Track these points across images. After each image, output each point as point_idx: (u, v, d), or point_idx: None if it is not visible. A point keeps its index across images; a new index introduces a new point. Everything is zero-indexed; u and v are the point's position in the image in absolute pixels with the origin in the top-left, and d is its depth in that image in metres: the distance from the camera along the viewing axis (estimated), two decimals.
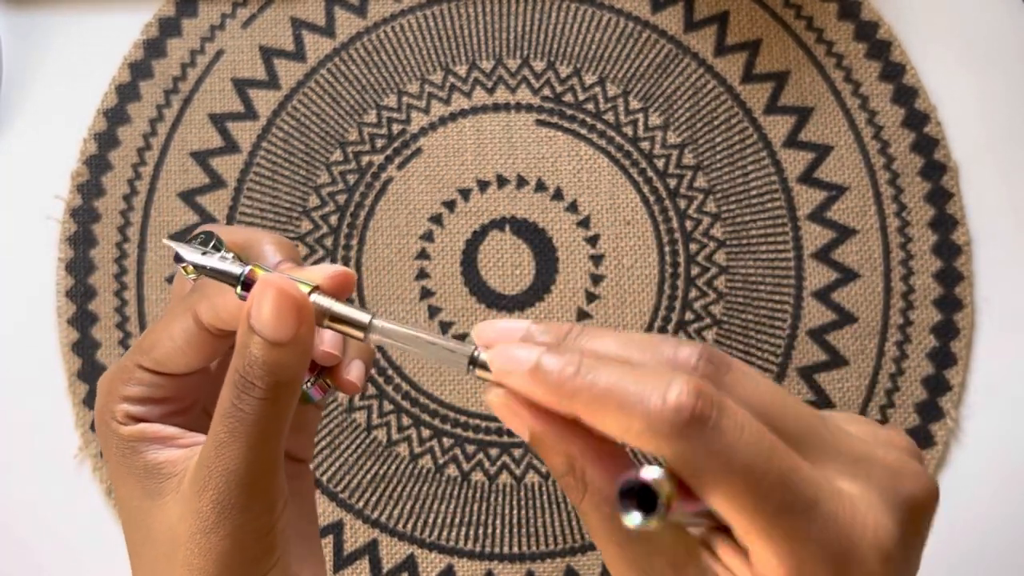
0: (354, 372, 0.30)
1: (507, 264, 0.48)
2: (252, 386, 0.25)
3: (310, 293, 0.25)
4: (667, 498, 0.20)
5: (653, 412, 0.20)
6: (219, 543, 0.26)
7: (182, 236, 0.48)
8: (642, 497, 0.20)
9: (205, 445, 0.26)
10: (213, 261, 0.26)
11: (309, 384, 0.30)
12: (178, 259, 0.27)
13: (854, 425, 0.24)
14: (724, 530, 0.23)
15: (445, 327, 0.48)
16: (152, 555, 0.27)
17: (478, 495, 0.47)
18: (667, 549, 0.23)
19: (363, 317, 0.25)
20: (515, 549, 0.47)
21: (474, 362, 0.24)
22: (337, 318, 0.25)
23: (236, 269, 0.26)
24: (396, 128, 0.49)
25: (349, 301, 0.26)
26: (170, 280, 0.48)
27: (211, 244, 0.27)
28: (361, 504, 0.47)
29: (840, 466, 0.22)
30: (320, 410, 0.33)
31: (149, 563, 0.28)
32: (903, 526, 0.22)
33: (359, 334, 0.25)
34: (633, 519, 0.20)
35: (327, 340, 0.29)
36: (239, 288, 0.26)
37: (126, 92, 0.49)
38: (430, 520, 0.47)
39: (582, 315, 0.48)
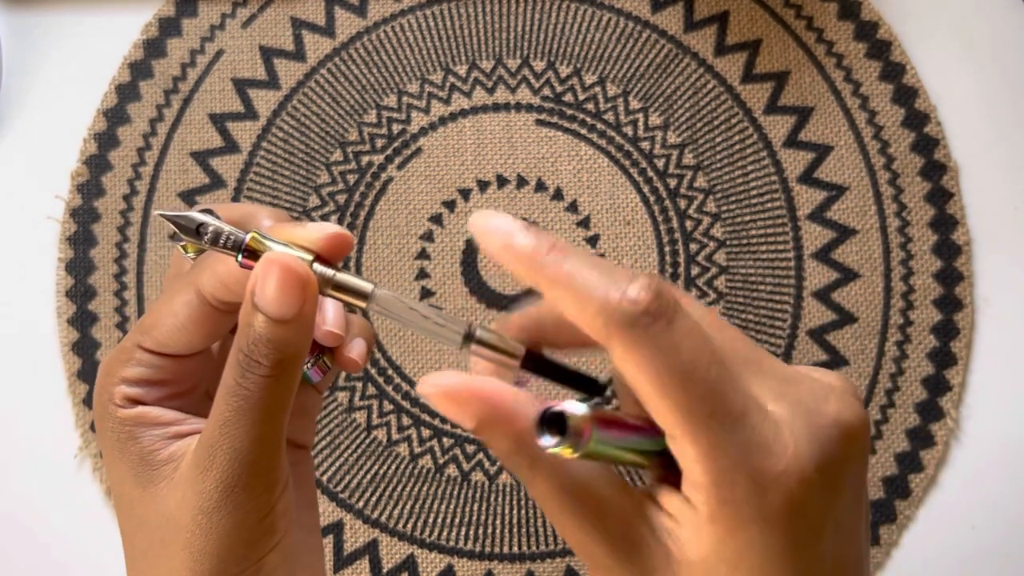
0: (356, 350, 0.30)
1: None
2: (256, 364, 0.25)
3: (312, 263, 0.25)
4: (579, 425, 0.21)
5: (612, 301, 0.21)
6: (221, 523, 0.26)
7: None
8: (561, 429, 0.21)
9: (209, 425, 0.26)
10: (212, 230, 0.25)
11: (309, 365, 0.30)
12: (175, 236, 0.26)
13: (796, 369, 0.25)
14: (667, 481, 0.24)
15: None
16: (146, 540, 0.27)
17: (478, 495, 0.47)
18: (615, 510, 0.23)
19: (365, 286, 0.25)
20: (515, 549, 0.47)
21: (469, 337, 0.24)
22: (340, 286, 0.25)
23: (237, 235, 0.25)
24: (396, 128, 0.49)
25: (346, 267, 0.26)
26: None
27: (200, 220, 0.26)
28: (361, 504, 0.47)
29: (771, 387, 0.23)
30: (320, 394, 0.33)
31: (143, 549, 0.27)
32: (825, 449, 0.22)
33: (360, 303, 0.25)
34: (547, 441, 0.21)
35: (330, 320, 0.28)
36: (239, 256, 0.25)
37: (126, 92, 0.49)
38: (430, 520, 0.47)
39: None
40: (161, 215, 0.25)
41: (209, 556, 0.26)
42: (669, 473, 0.24)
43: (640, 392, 0.22)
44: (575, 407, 0.21)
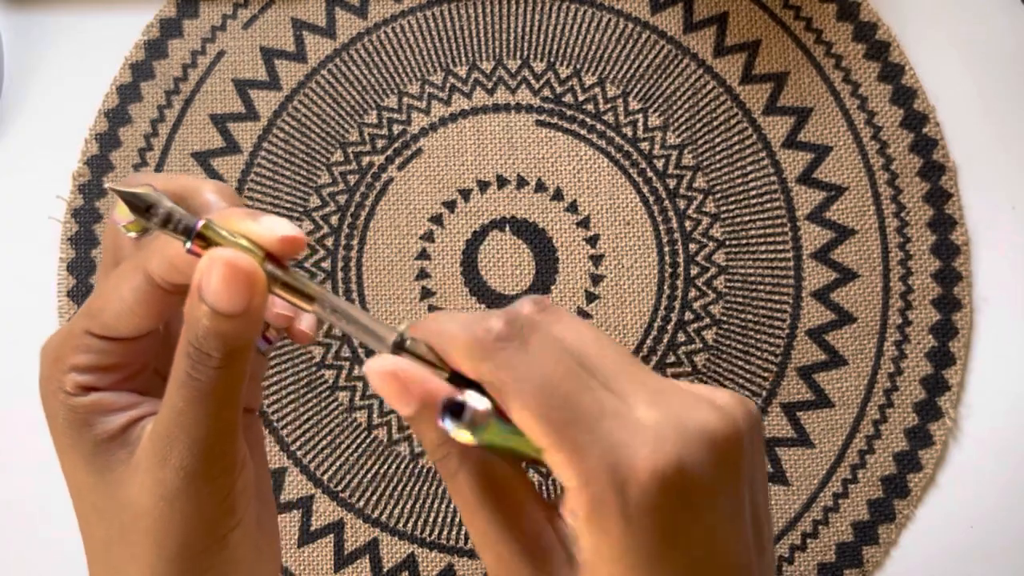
0: (306, 323, 0.30)
1: (507, 264, 0.48)
2: (207, 356, 0.25)
3: (263, 260, 0.25)
4: (477, 412, 0.23)
5: (475, 337, 0.24)
6: (183, 508, 0.26)
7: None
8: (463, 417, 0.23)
9: (162, 414, 0.26)
10: (163, 212, 0.24)
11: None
12: (119, 213, 0.25)
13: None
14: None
15: None
16: (105, 528, 0.27)
17: None
18: (530, 513, 0.25)
19: (312, 290, 0.25)
20: None
21: (400, 347, 0.25)
22: (288, 287, 0.25)
23: (188, 220, 0.24)
24: (397, 129, 0.49)
25: (299, 265, 0.25)
26: None
27: (151, 201, 0.25)
28: (362, 503, 0.47)
29: (644, 396, 0.24)
30: (266, 358, 0.33)
31: (102, 536, 0.27)
32: (690, 453, 0.23)
33: (305, 305, 0.25)
34: (448, 424, 0.23)
35: (279, 302, 0.28)
36: (188, 242, 0.24)
37: (127, 92, 0.49)
38: (431, 519, 0.47)
39: (582, 315, 0.48)
40: (112, 189, 0.24)
41: (173, 540, 0.26)
42: None
43: (511, 414, 0.24)
44: (477, 399, 0.23)
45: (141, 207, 0.24)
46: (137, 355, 0.28)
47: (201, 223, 0.24)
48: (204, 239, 0.24)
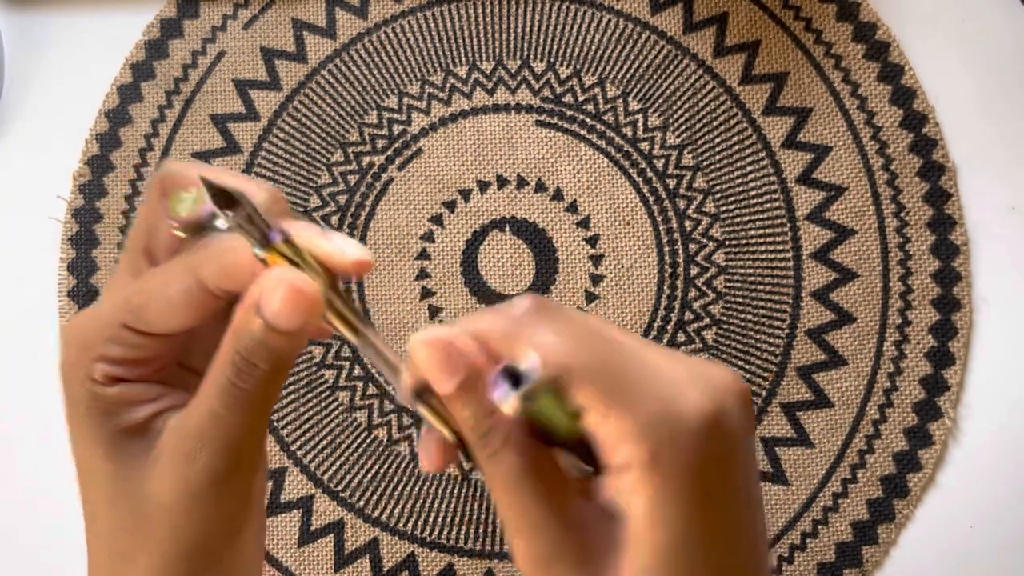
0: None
1: (507, 264, 0.48)
2: (253, 367, 0.25)
3: (327, 286, 0.25)
4: (538, 378, 0.24)
5: (511, 318, 0.25)
6: (206, 507, 0.26)
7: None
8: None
9: (193, 414, 0.26)
10: (244, 214, 0.24)
11: None
12: (198, 229, 0.24)
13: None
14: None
15: None
16: (116, 517, 0.27)
17: (478, 494, 0.47)
18: (569, 491, 0.26)
19: (360, 326, 0.26)
20: None
21: (419, 396, 0.26)
22: (341, 316, 0.26)
23: (267, 230, 0.24)
24: (397, 129, 0.49)
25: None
26: None
27: (237, 198, 0.25)
28: (362, 503, 0.47)
29: (663, 359, 0.26)
30: None
31: (112, 525, 0.27)
32: (724, 399, 0.25)
33: (349, 336, 0.26)
34: (502, 392, 0.24)
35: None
36: (259, 251, 0.24)
37: (128, 93, 0.50)
38: (431, 519, 0.47)
39: None
40: (204, 179, 0.24)
41: (191, 535, 0.26)
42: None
43: (558, 374, 0.25)
44: (535, 364, 0.24)
45: (221, 203, 0.24)
46: (169, 351, 0.28)
47: (279, 236, 0.24)
48: (268, 243, 0.24)
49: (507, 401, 0.24)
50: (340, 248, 0.26)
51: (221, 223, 0.25)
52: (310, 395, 0.48)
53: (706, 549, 0.24)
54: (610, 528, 0.25)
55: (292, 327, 0.25)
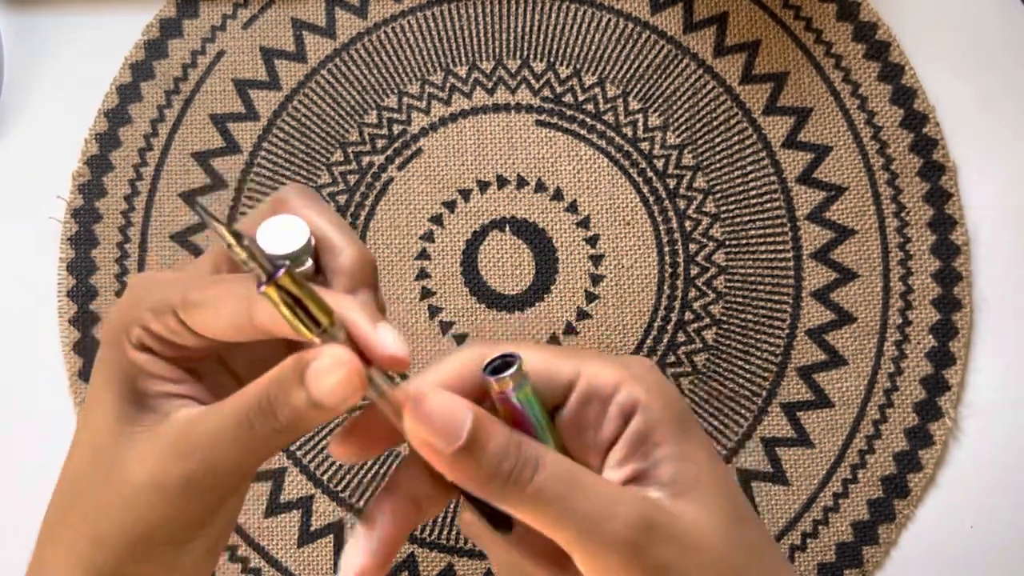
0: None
1: (507, 264, 0.48)
2: (274, 418, 0.26)
3: (369, 371, 0.26)
4: (520, 367, 0.27)
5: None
6: (166, 505, 0.26)
7: (186, 233, 0.49)
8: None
9: (204, 424, 0.26)
10: (300, 286, 0.24)
11: None
12: (266, 280, 0.24)
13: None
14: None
15: (445, 327, 0.48)
16: (89, 462, 0.28)
17: None
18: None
19: (399, 409, 0.26)
20: None
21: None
22: (377, 397, 0.26)
23: (266, 265, 0.24)
24: (396, 129, 0.49)
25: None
26: None
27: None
28: (362, 503, 0.47)
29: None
30: None
31: (83, 468, 0.28)
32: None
33: (389, 413, 0.26)
34: (510, 376, 0.27)
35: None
36: (261, 286, 0.24)
37: (127, 92, 0.50)
38: (430, 519, 0.47)
39: (582, 315, 0.48)
40: (199, 204, 0.25)
41: (142, 521, 0.27)
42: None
43: (535, 366, 0.28)
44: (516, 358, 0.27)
45: (231, 237, 0.24)
46: (207, 348, 0.29)
47: (282, 272, 0.24)
48: (273, 279, 0.24)
49: (498, 384, 0.27)
50: (382, 341, 0.26)
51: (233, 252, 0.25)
52: None
53: (711, 452, 0.28)
54: (648, 492, 0.27)
55: (334, 404, 0.25)
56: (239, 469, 0.27)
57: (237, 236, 0.24)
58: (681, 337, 0.48)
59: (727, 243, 0.48)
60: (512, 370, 0.27)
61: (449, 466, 0.25)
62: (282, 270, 0.24)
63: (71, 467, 0.29)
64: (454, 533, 0.47)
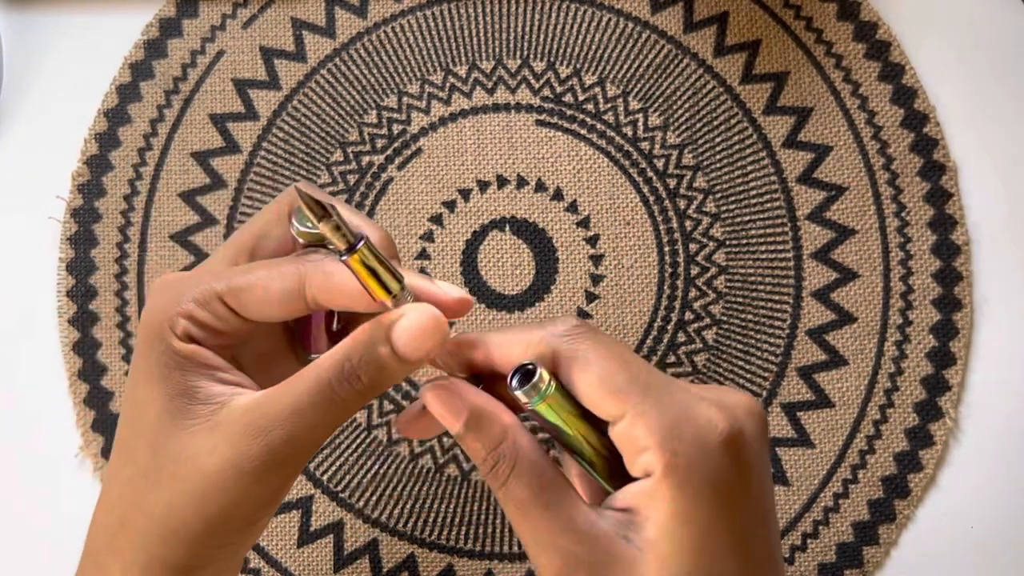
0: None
1: (507, 264, 0.48)
2: (357, 379, 0.27)
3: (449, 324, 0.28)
4: (544, 376, 0.27)
5: (552, 331, 0.28)
6: (247, 485, 0.27)
7: (185, 233, 0.49)
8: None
9: (277, 399, 0.27)
10: (375, 263, 0.27)
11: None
12: (299, 216, 0.28)
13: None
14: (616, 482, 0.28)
15: None
16: (145, 462, 0.28)
17: (478, 494, 0.47)
18: (583, 508, 0.27)
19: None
20: (515, 548, 0.47)
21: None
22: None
23: (352, 235, 0.26)
24: (396, 128, 0.49)
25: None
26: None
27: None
28: (361, 504, 0.47)
29: (682, 383, 0.28)
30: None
31: (143, 468, 0.28)
32: (734, 419, 0.27)
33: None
34: (517, 384, 0.27)
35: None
36: (344, 255, 0.26)
37: (127, 92, 0.49)
38: (430, 519, 0.47)
39: (582, 315, 0.48)
40: (300, 191, 0.27)
41: (219, 506, 0.27)
42: (613, 478, 0.28)
43: (585, 390, 0.27)
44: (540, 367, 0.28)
45: (316, 213, 0.26)
46: (244, 335, 0.30)
47: (362, 243, 0.26)
48: (353, 251, 0.26)
49: (522, 394, 0.27)
50: (445, 291, 0.29)
51: (310, 226, 0.28)
52: None
53: (724, 554, 0.26)
54: (627, 535, 0.26)
55: (418, 357, 0.27)
56: (316, 438, 0.28)
57: (324, 210, 0.26)
58: (681, 337, 0.48)
59: (727, 243, 0.48)
60: (527, 386, 0.27)
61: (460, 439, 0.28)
62: (362, 241, 0.26)
63: (125, 473, 0.29)
64: (454, 533, 0.47)
